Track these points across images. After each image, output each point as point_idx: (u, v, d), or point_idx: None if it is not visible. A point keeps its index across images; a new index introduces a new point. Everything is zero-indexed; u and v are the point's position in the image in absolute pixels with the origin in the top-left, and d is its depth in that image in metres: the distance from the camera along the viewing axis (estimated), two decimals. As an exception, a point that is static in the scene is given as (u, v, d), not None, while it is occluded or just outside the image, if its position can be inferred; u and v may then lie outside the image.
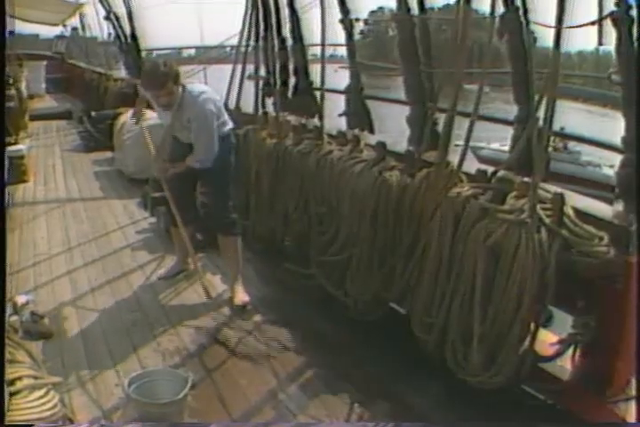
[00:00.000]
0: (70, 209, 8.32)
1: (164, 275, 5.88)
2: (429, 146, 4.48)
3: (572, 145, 20.46)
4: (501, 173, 4.01)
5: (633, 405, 3.25)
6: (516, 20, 3.77)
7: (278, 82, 6.62)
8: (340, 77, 6.11)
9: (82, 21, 20.66)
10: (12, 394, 2.68)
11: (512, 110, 4.06)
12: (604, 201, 3.80)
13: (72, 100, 19.53)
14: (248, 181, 6.40)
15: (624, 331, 3.22)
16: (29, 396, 2.75)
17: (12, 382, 2.76)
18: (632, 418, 3.20)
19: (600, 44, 3.27)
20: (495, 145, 19.87)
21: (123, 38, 14.85)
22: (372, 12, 61.46)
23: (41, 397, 2.80)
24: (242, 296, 5.29)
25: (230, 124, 5.37)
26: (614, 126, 3.64)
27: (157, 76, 4.88)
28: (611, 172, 19.04)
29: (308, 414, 3.84)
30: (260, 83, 6.87)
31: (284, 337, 4.74)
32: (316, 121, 5.98)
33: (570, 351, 3.67)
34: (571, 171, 18.47)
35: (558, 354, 3.69)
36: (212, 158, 5.08)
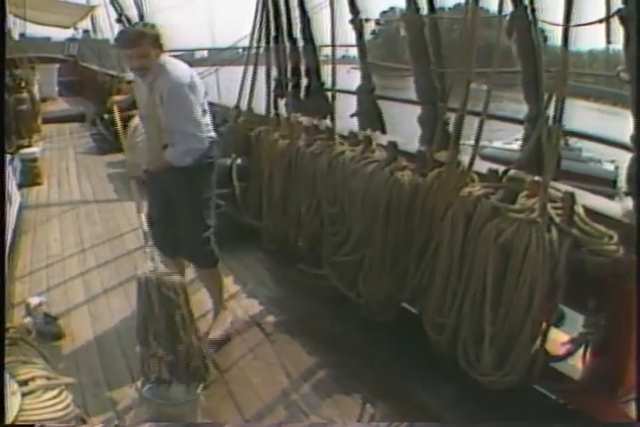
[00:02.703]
0: (84, 211, 8.37)
1: None
2: (441, 146, 4.48)
3: (572, 141, 20.34)
4: (512, 172, 4.00)
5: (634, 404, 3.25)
6: (524, 18, 3.77)
7: (290, 83, 6.64)
8: (352, 78, 6.11)
9: (93, 24, 20.76)
10: (25, 394, 2.69)
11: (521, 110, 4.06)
12: (605, 197, 3.79)
13: (85, 102, 19.57)
14: (261, 183, 6.42)
15: (635, 330, 3.20)
16: (42, 396, 2.76)
17: (25, 383, 2.77)
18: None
19: (608, 42, 3.26)
20: (498, 143, 19.87)
21: (135, 41, 14.89)
22: (384, 12, 61.77)
23: (54, 397, 2.80)
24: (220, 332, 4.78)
25: (213, 134, 4.69)
26: (625, 125, 3.62)
27: (132, 32, 4.45)
28: (612, 168, 19.15)
29: (320, 414, 3.85)
30: (272, 84, 6.88)
31: (297, 337, 4.76)
32: (327, 122, 5.98)
33: (581, 351, 3.67)
34: (572, 167, 18.40)
35: (569, 353, 3.68)
36: (194, 151, 4.48)
